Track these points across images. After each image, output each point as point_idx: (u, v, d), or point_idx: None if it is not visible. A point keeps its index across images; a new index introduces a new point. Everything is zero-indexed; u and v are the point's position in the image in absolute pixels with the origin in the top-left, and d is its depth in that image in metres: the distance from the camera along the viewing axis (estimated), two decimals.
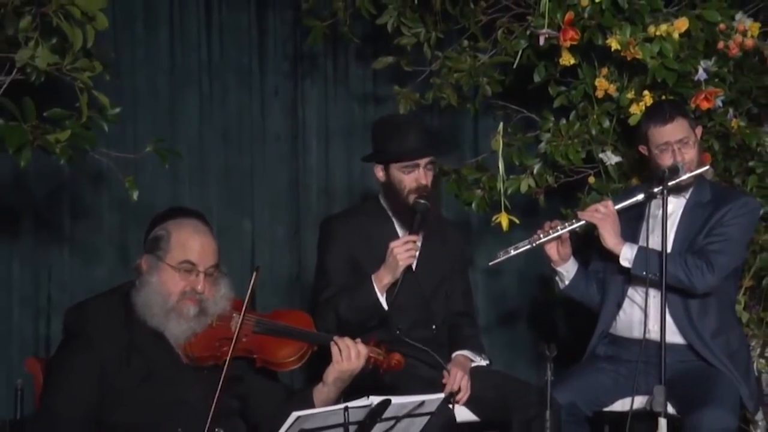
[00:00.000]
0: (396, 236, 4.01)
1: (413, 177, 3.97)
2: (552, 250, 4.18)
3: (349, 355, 3.34)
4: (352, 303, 3.91)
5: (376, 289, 3.87)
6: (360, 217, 4.14)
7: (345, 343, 3.35)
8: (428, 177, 3.99)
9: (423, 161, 3.97)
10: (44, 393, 3.29)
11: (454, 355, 4.04)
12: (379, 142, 4.08)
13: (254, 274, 3.29)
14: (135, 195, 3.92)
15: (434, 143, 4.11)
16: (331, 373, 3.36)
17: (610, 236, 4.05)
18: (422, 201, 3.92)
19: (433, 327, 4.07)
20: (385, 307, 3.88)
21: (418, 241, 3.92)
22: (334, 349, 3.35)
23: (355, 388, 3.40)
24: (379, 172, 4.06)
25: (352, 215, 4.20)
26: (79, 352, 3.24)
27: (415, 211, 3.92)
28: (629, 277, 4.11)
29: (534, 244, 4.10)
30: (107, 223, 4.73)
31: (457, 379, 3.89)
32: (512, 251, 4.09)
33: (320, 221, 4.28)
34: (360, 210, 4.24)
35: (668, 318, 3.91)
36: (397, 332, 3.83)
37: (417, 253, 3.89)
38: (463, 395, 3.90)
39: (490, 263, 4.17)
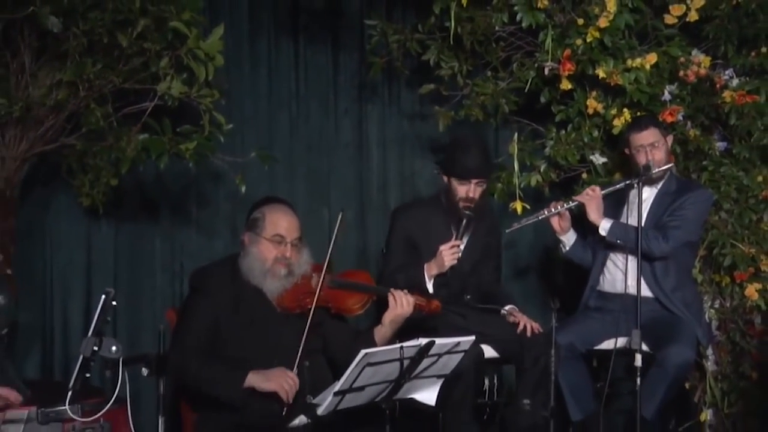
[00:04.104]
0: (447, 228, 3.95)
1: (464, 189, 3.90)
2: (555, 224, 4.17)
3: (402, 302, 3.37)
4: (407, 281, 3.84)
5: (426, 277, 3.86)
6: (421, 208, 4.08)
7: (399, 293, 3.39)
8: (477, 191, 3.92)
9: (474, 180, 3.91)
10: (176, 328, 3.38)
11: (508, 307, 3.94)
12: (448, 154, 4.00)
13: (340, 216, 3.30)
14: (243, 189, 3.99)
15: (485, 167, 3.96)
16: (388, 316, 3.40)
17: (593, 212, 4.05)
18: (468, 212, 3.86)
19: (467, 296, 4.03)
20: (431, 291, 3.85)
21: (462, 244, 3.88)
22: (391, 298, 3.39)
23: (405, 330, 3.43)
24: (443, 177, 4.00)
25: (414, 206, 4.16)
26: (200, 299, 3.31)
27: (461, 218, 3.87)
28: (611, 246, 4.10)
29: (540, 217, 4.11)
30: (223, 209, 4.77)
31: (524, 320, 3.87)
32: (524, 222, 4.12)
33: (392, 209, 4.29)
34: (423, 202, 4.20)
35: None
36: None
37: (460, 255, 3.83)
38: (534, 326, 3.86)
39: (507, 231, 4.18)
